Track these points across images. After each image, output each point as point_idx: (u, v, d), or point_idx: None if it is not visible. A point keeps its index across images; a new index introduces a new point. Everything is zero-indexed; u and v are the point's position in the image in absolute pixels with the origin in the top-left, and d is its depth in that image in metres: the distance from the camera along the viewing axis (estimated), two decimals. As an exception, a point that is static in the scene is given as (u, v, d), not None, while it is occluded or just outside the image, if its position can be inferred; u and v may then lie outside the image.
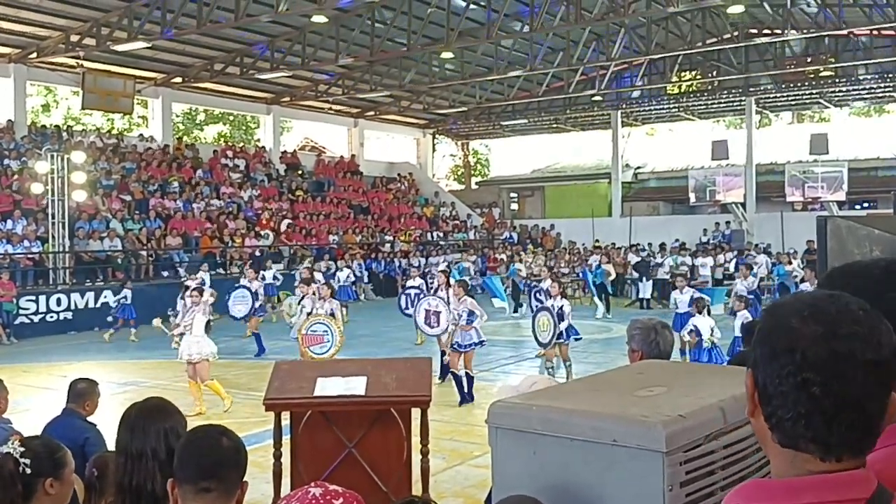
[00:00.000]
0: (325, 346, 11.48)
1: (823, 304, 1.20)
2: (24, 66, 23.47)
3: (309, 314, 12.33)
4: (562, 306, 11.92)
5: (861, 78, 28.32)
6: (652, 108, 33.43)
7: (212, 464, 2.19)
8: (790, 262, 21.79)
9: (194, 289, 11.65)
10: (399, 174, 35.53)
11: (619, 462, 1.76)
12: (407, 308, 16.05)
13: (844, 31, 23.05)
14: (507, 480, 1.95)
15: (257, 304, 16.07)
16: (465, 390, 10.99)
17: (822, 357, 1.15)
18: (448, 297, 12.44)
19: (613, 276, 22.99)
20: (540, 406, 1.97)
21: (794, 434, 1.19)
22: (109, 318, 17.78)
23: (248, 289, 16.17)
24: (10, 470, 2.76)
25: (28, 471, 2.77)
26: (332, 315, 12.00)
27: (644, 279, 24.07)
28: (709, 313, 11.75)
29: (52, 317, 18.67)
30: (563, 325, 11.66)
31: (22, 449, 2.80)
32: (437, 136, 39.44)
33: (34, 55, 22.92)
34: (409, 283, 18.30)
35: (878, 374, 1.16)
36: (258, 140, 33.59)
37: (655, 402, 1.93)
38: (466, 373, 11.17)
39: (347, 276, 22.57)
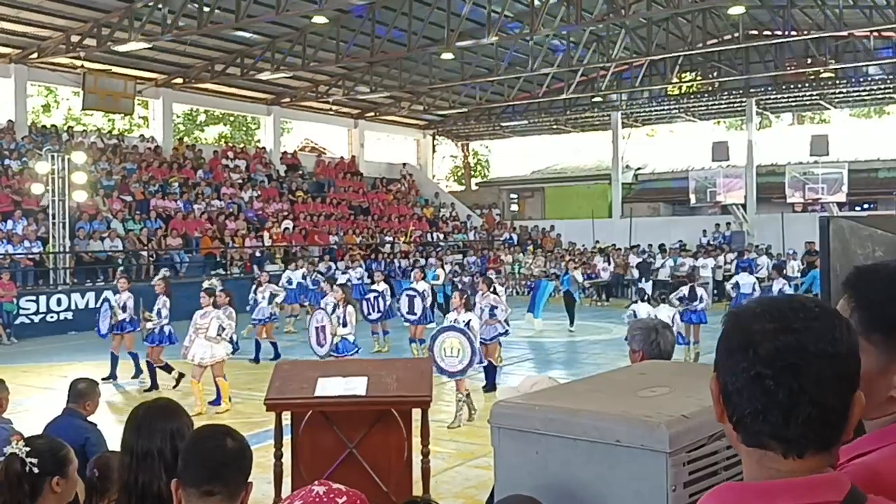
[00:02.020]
0: None
1: (779, 303, 1.23)
2: (25, 67, 23.47)
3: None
4: (468, 321, 10.10)
5: (861, 79, 28.33)
6: (652, 109, 33.42)
7: (215, 466, 2.17)
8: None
9: (205, 289, 11.40)
10: (401, 173, 35.52)
11: (623, 462, 1.76)
12: (370, 314, 15.44)
13: (845, 33, 23.04)
14: (510, 480, 1.95)
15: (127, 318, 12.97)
16: (492, 380, 11.58)
17: (773, 351, 1.17)
18: (344, 316, 11.39)
19: (581, 283, 20.58)
20: (542, 406, 1.96)
21: (754, 430, 1.21)
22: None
23: (109, 301, 13.16)
24: (16, 470, 2.78)
25: (36, 470, 2.79)
26: (222, 327, 10.89)
27: (644, 280, 24.09)
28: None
29: (52, 317, 18.67)
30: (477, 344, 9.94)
31: (27, 449, 2.82)
32: (437, 136, 39.43)
33: (35, 55, 22.92)
34: (373, 286, 16.68)
35: (834, 368, 1.17)
36: (258, 141, 33.58)
37: (658, 402, 1.93)
38: (490, 362, 11.68)
39: (358, 276, 22.04)
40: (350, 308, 11.61)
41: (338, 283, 14.26)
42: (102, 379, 12.09)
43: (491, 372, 11.65)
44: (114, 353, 12.72)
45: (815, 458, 1.20)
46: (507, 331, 12.51)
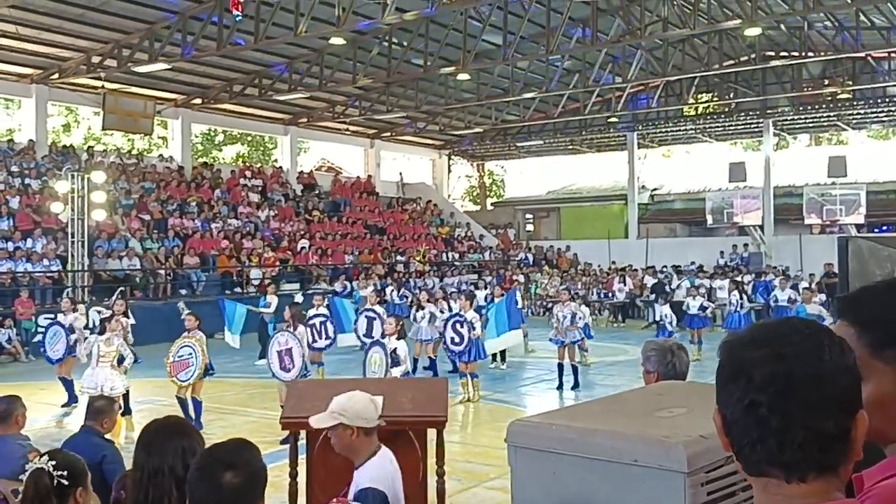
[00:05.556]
0: (190, 369, 10.06)
1: (768, 328, 1.23)
2: (46, 87, 23.79)
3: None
4: (395, 349, 9.91)
5: (879, 100, 28.23)
6: (668, 129, 33.41)
7: None
8: (811, 301, 17.45)
9: (109, 317, 10.88)
10: (398, 186, 35.63)
11: (640, 482, 1.75)
12: (315, 342, 13.15)
13: (862, 54, 23.00)
14: (526, 500, 1.94)
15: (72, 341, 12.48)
16: (576, 378, 13.41)
17: (764, 378, 1.17)
18: (300, 334, 10.41)
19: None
20: (559, 425, 1.96)
21: (753, 460, 1.19)
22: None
23: (62, 325, 12.89)
24: (46, 484, 2.86)
25: (65, 482, 2.88)
26: (123, 358, 10.44)
27: (660, 301, 23.93)
28: None
29: (69, 335, 18.72)
30: (397, 371, 9.63)
31: (54, 462, 2.89)
32: (452, 156, 39.56)
33: (56, 76, 23.23)
34: (311, 311, 14.30)
35: (823, 391, 1.16)
36: (276, 160, 33.82)
37: (676, 422, 1.92)
38: (573, 364, 13.57)
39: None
40: (301, 328, 10.73)
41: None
42: (63, 405, 11.96)
43: (574, 371, 13.49)
44: (65, 378, 12.20)
45: (820, 481, 1.17)
46: (584, 336, 14.45)
